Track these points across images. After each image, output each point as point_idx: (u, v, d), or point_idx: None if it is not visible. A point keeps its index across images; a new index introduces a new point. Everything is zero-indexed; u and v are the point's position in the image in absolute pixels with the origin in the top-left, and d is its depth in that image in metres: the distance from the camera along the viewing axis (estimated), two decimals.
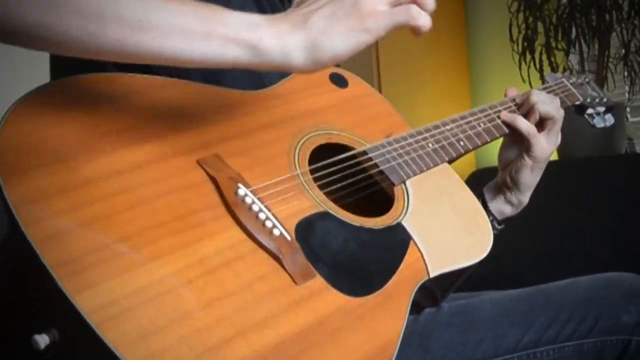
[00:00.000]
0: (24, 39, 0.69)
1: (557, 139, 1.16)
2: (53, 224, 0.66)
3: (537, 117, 1.14)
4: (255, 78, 1.00)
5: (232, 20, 0.74)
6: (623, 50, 2.68)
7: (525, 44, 2.74)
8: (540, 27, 2.72)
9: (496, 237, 1.01)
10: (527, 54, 2.73)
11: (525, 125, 1.13)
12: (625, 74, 2.69)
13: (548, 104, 1.15)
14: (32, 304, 0.67)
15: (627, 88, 2.76)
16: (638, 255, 2.11)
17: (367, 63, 2.71)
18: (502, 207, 1.18)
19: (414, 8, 0.77)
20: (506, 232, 1.17)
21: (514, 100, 1.19)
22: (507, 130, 1.14)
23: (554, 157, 2.68)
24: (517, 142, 1.16)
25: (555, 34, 2.71)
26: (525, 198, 1.17)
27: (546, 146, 1.14)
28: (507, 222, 1.19)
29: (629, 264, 1.06)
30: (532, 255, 2.34)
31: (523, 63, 2.73)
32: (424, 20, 0.77)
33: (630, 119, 2.96)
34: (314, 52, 0.75)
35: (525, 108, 1.16)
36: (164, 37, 0.71)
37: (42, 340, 0.63)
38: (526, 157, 1.14)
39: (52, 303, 0.63)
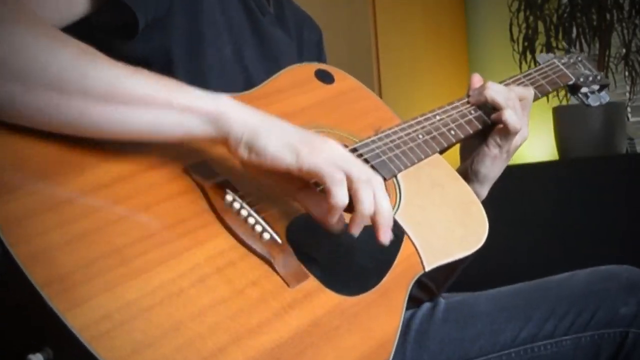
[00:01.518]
0: None
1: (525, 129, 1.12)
2: (40, 242, 0.65)
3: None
4: (246, 78, 1.00)
5: (195, 92, 0.76)
6: (624, 50, 2.68)
7: (526, 43, 2.73)
8: (540, 27, 2.71)
9: (496, 237, 0.99)
10: (528, 53, 2.72)
11: (512, 119, 1.08)
12: (626, 73, 2.69)
13: (501, 93, 1.11)
14: (25, 323, 0.65)
15: (627, 88, 2.76)
16: (638, 255, 2.10)
17: (367, 63, 2.70)
18: None
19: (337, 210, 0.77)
20: (506, 232, 1.16)
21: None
22: None
23: (554, 157, 2.68)
24: (482, 131, 1.12)
25: (556, 34, 2.70)
26: (484, 191, 1.14)
27: (518, 138, 1.11)
28: (507, 222, 1.16)
29: (629, 264, 1.06)
30: (531, 255, 2.34)
31: (523, 63, 2.72)
32: (335, 226, 0.79)
33: (631, 119, 2.95)
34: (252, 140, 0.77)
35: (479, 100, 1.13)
36: (127, 108, 0.72)
37: (37, 359, 0.62)
38: (491, 147, 1.11)
39: (44, 321, 0.62)
